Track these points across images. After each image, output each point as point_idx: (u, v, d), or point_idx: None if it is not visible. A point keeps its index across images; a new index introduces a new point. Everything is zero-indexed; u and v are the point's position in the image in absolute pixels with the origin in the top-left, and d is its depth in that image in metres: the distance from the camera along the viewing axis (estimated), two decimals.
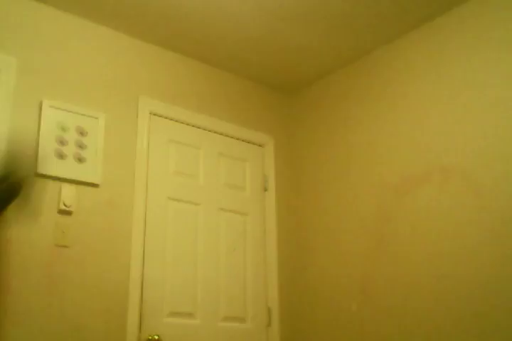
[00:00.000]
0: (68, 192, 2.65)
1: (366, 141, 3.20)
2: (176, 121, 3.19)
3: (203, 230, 3.11)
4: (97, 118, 2.85)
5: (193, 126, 3.25)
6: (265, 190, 3.47)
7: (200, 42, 3.21)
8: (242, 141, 3.47)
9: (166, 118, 3.16)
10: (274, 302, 3.27)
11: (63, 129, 2.73)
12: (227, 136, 3.39)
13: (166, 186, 3.04)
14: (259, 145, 3.55)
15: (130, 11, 2.93)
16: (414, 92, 3.01)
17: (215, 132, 3.34)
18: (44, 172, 2.61)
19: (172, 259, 2.94)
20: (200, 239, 3.09)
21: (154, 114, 3.11)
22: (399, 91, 3.10)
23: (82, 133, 2.78)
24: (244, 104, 3.55)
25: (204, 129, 3.30)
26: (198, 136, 3.26)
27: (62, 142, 2.71)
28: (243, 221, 3.31)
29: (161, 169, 3.05)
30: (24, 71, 2.70)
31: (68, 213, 2.65)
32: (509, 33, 2.65)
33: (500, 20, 2.70)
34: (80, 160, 2.74)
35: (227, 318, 3.06)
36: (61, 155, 2.68)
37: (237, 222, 3.28)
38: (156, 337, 2.73)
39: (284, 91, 3.77)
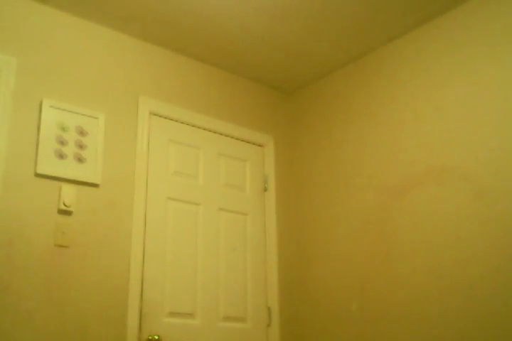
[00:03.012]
0: (68, 192, 2.65)
1: (366, 141, 3.20)
2: (176, 121, 3.19)
3: (203, 230, 3.11)
4: (97, 118, 2.85)
5: (193, 126, 3.25)
6: (265, 190, 3.47)
7: (200, 42, 3.21)
8: (242, 141, 3.47)
9: (166, 118, 3.16)
10: (274, 302, 3.27)
11: (63, 129, 2.73)
12: (227, 136, 3.39)
13: (166, 186, 3.04)
14: (259, 145, 3.55)
15: (130, 11, 2.93)
16: (415, 92, 3.01)
17: (215, 132, 3.34)
18: (44, 172, 2.61)
19: (172, 259, 2.94)
20: (200, 239, 3.09)
21: (154, 114, 3.11)
22: (399, 91, 3.10)
23: (82, 133, 2.78)
24: (244, 104, 3.55)
25: (204, 129, 3.30)
26: (198, 136, 3.26)
27: (62, 142, 2.71)
28: (243, 221, 3.31)
29: (161, 169, 3.05)
30: (24, 71, 2.71)
31: (68, 213, 2.65)
32: (509, 33, 2.65)
33: (501, 19, 2.70)
34: (80, 160, 2.74)
35: (227, 318, 3.06)
36: (61, 155, 2.68)
37: (237, 222, 3.28)
38: (156, 337, 2.73)
39: (284, 91, 3.77)
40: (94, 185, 2.76)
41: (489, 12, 2.75)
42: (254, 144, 3.52)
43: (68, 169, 2.69)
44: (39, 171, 2.60)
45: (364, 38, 3.18)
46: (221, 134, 3.37)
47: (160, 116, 3.14)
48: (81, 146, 2.76)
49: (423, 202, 2.81)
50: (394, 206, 2.95)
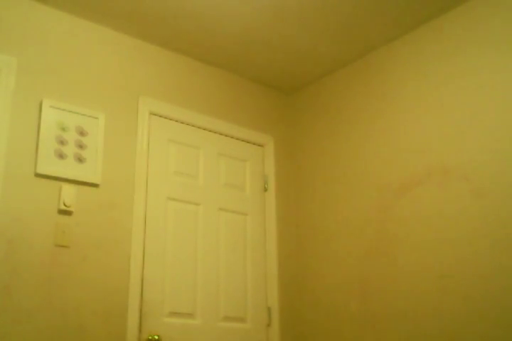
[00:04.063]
0: (68, 192, 2.65)
1: (366, 141, 3.20)
2: (176, 121, 3.19)
3: (203, 230, 3.11)
4: (97, 118, 2.85)
5: (193, 126, 3.26)
6: (265, 190, 3.47)
7: (200, 42, 3.21)
8: (242, 141, 3.47)
9: (165, 118, 3.16)
10: (274, 302, 3.27)
11: (63, 129, 2.73)
12: (227, 136, 3.39)
13: (166, 186, 3.04)
14: (259, 145, 3.55)
15: (130, 11, 2.93)
16: (414, 92, 3.01)
17: (215, 132, 3.34)
18: (44, 172, 2.61)
19: (172, 259, 2.95)
20: (200, 239, 3.09)
21: (154, 114, 3.11)
22: (399, 91, 3.10)
23: (82, 133, 2.78)
24: (244, 104, 3.55)
25: (204, 129, 3.30)
26: (198, 136, 3.26)
27: (62, 142, 2.71)
28: (243, 221, 3.31)
29: (161, 169, 3.05)
30: (24, 71, 2.71)
31: (68, 213, 2.65)
32: (509, 33, 2.65)
33: (501, 20, 2.70)
34: (80, 160, 2.74)
35: (227, 318, 3.06)
36: (61, 155, 2.68)
37: (237, 222, 3.28)
38: (156, 337, 2.73)
39: (284, 91, 3.77)
40: (94, 185, 2.76)
41: (489, 12, 2.75)
42: (254, 144, 3.52)
43: (68, 169, 2.69)
44: (39, 171, 2.60)
45: (364, 38, 3.18)
46: (221, 134, 3.37)
47: (160, 116, 3.14)
48: (81, 146, 2.76)
49: (423, 202, 2.81)
50: (394, 206, 2.95)
